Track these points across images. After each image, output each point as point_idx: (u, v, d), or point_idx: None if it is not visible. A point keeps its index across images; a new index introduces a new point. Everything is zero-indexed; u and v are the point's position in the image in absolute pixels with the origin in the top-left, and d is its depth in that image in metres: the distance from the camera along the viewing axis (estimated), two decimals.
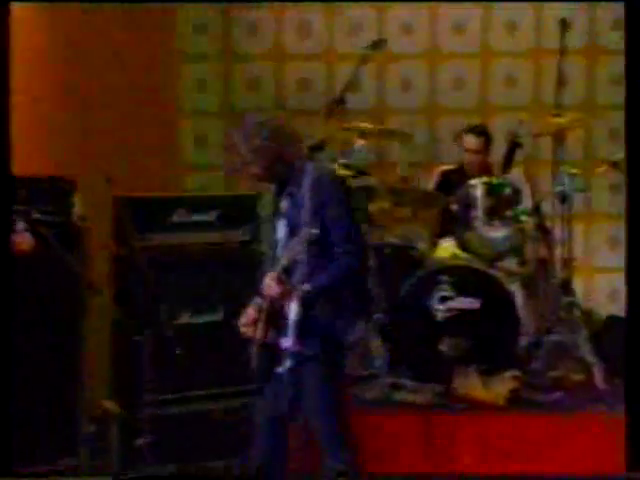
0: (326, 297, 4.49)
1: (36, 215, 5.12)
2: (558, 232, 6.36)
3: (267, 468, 4.62)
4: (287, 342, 4.44)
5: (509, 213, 6.35)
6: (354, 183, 6.24)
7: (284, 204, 4.56)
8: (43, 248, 5.08)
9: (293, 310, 4.43)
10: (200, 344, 5.69)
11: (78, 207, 5.48)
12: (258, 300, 4.57)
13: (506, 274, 6.38)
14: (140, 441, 5.37)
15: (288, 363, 4.42)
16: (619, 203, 6.58)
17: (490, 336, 6.15)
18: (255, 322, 4.55)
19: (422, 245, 6.71)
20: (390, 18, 7.78)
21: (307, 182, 4.42)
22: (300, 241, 4.31)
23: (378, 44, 6.42)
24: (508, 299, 6.19)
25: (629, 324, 4.95)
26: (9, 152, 4.62)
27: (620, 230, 6.54)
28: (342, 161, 6.14)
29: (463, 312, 6.16)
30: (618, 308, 6.39)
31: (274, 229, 4.64)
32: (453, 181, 6.83)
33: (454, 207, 6.44)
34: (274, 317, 4.50)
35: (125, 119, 6.85)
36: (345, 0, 7.76)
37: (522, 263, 6.56)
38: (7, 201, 4.65)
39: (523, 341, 6.24)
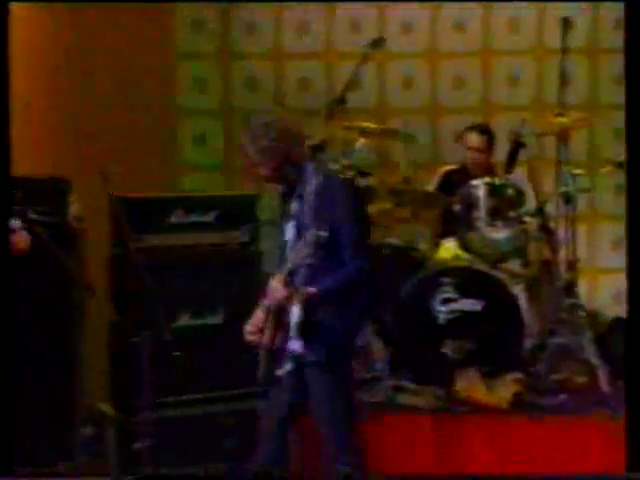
0: (333, 301, 4.48)
1: (32, 215, 5.08)
2: (562, 233, 6.33)
3: (269, 470, 4.61)
4: (292, 345, 4.42)
5: (512, 214, 6.32)
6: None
7: (293, 206, 4.53)
8: (39, 249, 5.02)
9: (295, 312, 4.41)
10: (199, 346, 5.65)
11: (74, 207, 5.47)
12: (265, 304, 4.54)
13: (509, 275, 6.35)
14: (138, 444, 5.30)
15: (288, 366, 4.42)
16: (623, 204, 6.55)
17: (493, 338, 6.12)
18: (262, 329, 4.51)
19: (424, 246, 6.69)
20: (390, 17, 7.74)
21: (316, 184, 4.40)
22: (308, 244, 4.27)
23: (378, 43, 6.39)
24: (511, 301, 6.16)
25: (629, 325, 4.93)
26: (9, 152, 4.61)
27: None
28: (343, 161, 6.11)
29: (465, 314, 6.13)
30: (623, 310, 6.31)
31: (282, 231, 4.62)
32: (455, 181, 6.80)
33: (456, 208, 6.41)
34: (281, 321, 4.47)
35: (123, 119, 6.86)
36: (345, 0, 7.72)
37: (525, 264, 6.54)
38: (7, 202, 4.63)
39: (526, 343, 6.22)
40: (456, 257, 6.42)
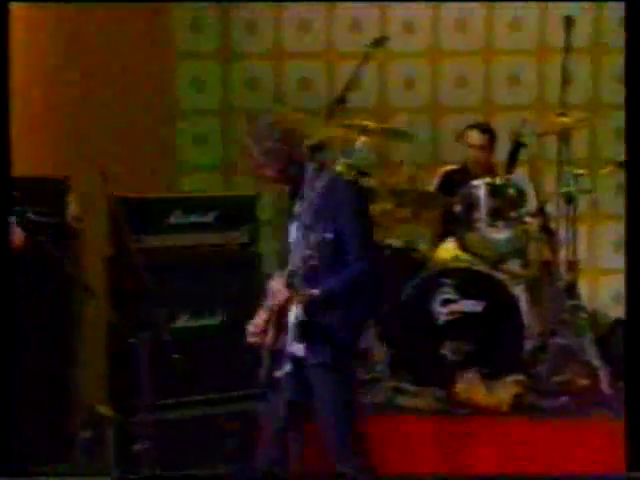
0: (337, 302, 4.47)
1: (30, 216, 5.06)
2: (563, 233, 6.30)
3: (270, 471, 4.63)
4: (292, 347, 4.39)
5: (513, 214, 6.30)
6: None
7: (298, 206, 4.51)
8: (37, 249, 5.00)
9: (294, 313, 4.39)
10: (198, 348, 5.65)
11: (73, 208, 5.45)
12: (267, 305, 4.53)
13: (510, 276, 6.34)
14: (137, 446, 5.28)
15: (287, 367, 4.36)
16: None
17: (493, 340, 6.09)
18: (264, 331, 4.51)
19: (424, 247, 6.67)
20: (392, 16, 7.73)
21: (320, 184, 4.39)
22: (312, 245, 4.25)
23: (380, 42, 6.33)
24: (512, 302, 6.13)
25: (628, 326, 4.93)
26: (9, 152, 4.61)
27: None
28: (344, 160, 6.08)
29: (466, 315, 6.10)
30: (624, 311, 6.32)
31: (287, 232, 4.61)
32: (456, 182, 6.78)
33: (457, 208, 6.39)
34: (283, 322, 4.45)
35: (122, 119, 6.84)
36: (345, 0, 7.70)
37: (526, 265, 6.52)
38: (7, 202, 4.63)
39: (527, 345, 6.19)
40: (456, 258, 6.40)
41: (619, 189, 7.37)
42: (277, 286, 4.46)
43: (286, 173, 4.56)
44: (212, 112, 7.72)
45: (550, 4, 7.62)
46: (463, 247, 6.38)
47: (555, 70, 6.59)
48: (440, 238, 6.74)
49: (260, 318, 4.55)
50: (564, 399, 5.93)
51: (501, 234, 6.30)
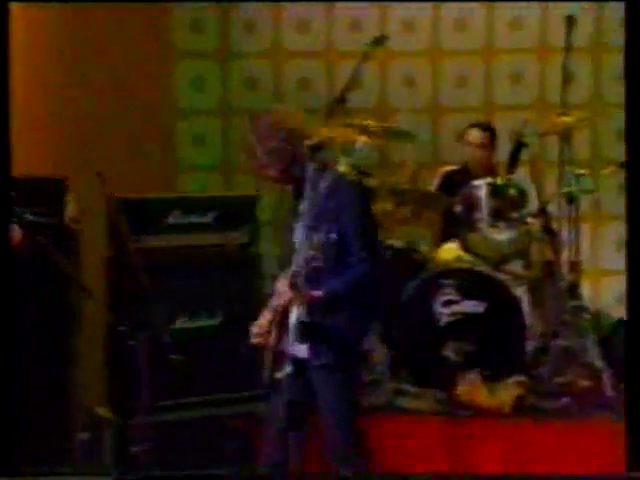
0: (340, 304, 4.45)
1: (28, 216, 5.02)
2: (565, 234, 6.29)
3: (271, 472, 4.61)
4: (293, 349, 4.39)
5: (514, 214, 6.29)
6: None
7: (302, 206, 4.48)
8: (35, 250, 4.96)
9: (295, 314, 4.38)
10: (197, 349, 5.61)
11: (71, 208, 5.43)
12: (272, 305, 4.52)
13: (511, 277, 6.34)
14: (136, 448, 5.29)
15: (288, 369, 4.35)
16: None
17: (495, 341, 6.10)
18: (268, 331, 4.50)
19: (425, 247, 6.65)
20: (391, 15, 7.70)
21: (324, 185, 4.37)
22: (316, 245, 4.23)
23: (380, 41, 6.32)
24: (514, 303, 6.13)
25: (629, 326, 4.95)
26: (9, 152, 4.60)
27: None
28: (347, 160, 6.06)
29: (467, 316, 6.11)
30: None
31: (292, 231, 4.58)
32: (456, 182, 6.77)
33: (457, 208, 6.39)
34: (286, 323, 4.44)
35: (121, 118, 6.83)
36: (345, 0, 7.68)
37: (528, 266, 6.53)
38: (7, 202, 4.62)
39: (529, 346, 6.19)
40: (458, 258, 6.39)
41: (621, 189, 7.34)
42: (282, 287, 4.45)
43: (289, 173, 4.54)
44: (211, 112, 7.70)
45: (551, 3, 7.60)
46: (464, 248, 6.37)
47: (556, 70, 6.60)
48: (441, 239, 6.71)
49: (264, 318, 4.54)
50: (566, 400, 5.92)
51: (503, 235, 6.30)
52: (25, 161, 5.21)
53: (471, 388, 5.90)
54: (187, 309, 5.73)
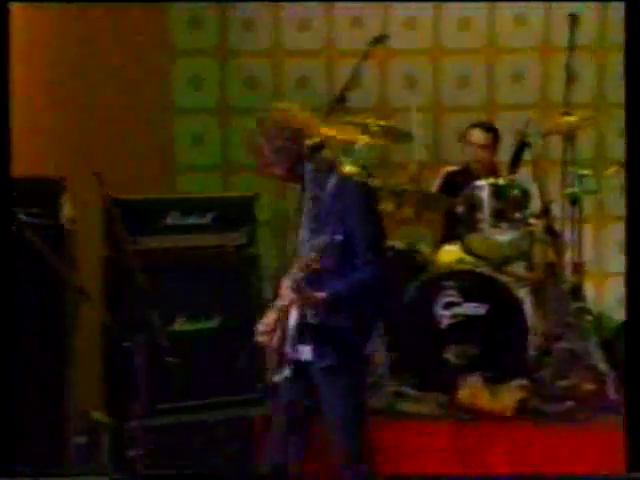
0: (344, 306, 4.43)
1: (23, 217, 4.99)
2: (568, 235, 6.27)
3: (274, 474, 4.59)
4: (295, 351, 4.37)
5: (517, 215, 6.26)
6: None
7: (308, 207, 4.45)
8: (30, 251, 4.92)
9: (293, 316, 4.38)
10: (195, 351, 5.58)
11: (67, 209, 5.40)
12: (277, 305, 4.50)
13: (514, 279, 6.31)
14: (133, 452, 5.24)
15: (287, 372, 4.34)
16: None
17: (497, 343, 6.08)
18: (274, 329, 4.48)
19: (426, 249, 6.65)
20: (392, 14, 7.68)
21: (331, 186, 4.40)
22: (320, 247, 4.21)
23: (380, 40, 6.29)
24: (516, 305, 6.11)
25: (629, 327, 4.91)
26: (9, 152, 4.59)
27: None
28: (350, 160, 6.03)
29: (469, 318, 6.09)
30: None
31: (296, 232, 4.55)
32: (458, 182, 6.75)
33: (459, 209, 6.35)
34: (288, 324, 4.43)
35: (119, 118, 6.85)
36: (345, 0, 7.67)
37: (530, 267, 6.51)
38: (7, 202, 4.60)
39: (531, 349, 6.16)
40: (459, 260, 6.37)
41: (625, 190, 7.33)
42: (284, 287, 4.44)
43: (294, 171, 4.53)
44: (210, 110, 7.69)
45: (554, 2, 7.58)
46: (466, 249, 6.35)
47: (559, 69, 6.57)
48: (442, 240, 6.71)
49: (270, 317, 4.52)
50: (569, 404, 5.89)
51: (505, 236, 6.26)
52: (23, 161, 5.19)
53: (473, 391, 5.87)
54: (185, 311, 5.69)
